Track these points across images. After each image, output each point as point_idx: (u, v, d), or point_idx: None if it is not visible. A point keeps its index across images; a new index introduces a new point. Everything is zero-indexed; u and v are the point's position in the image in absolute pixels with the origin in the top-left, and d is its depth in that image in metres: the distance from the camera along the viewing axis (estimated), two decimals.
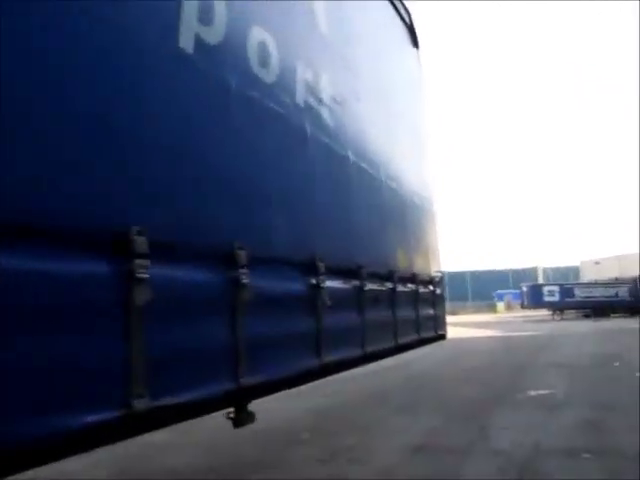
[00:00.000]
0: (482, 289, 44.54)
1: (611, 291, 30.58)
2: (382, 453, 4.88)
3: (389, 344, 4.48)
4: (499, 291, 44.01)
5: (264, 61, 3.17)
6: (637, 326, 22.05)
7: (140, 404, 2.02)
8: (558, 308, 31.08)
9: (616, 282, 31.52)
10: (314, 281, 3.34)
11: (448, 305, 36.28)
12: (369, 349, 4.00)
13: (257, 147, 3.02)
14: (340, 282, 3.81)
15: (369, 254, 4.24)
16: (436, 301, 6.08)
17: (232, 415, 2.80)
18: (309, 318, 3.28)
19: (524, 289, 32.72)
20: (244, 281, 2.63)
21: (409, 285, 5.19)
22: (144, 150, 2.22)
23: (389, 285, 4.60)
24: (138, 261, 2.06)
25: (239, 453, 4.93)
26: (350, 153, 4.13)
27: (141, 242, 2.08)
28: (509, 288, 43.60)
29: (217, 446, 5.22)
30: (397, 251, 4.89)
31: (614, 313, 29.95)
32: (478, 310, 43.02)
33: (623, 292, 30.32)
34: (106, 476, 4.46)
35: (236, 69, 2.89)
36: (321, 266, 3.37)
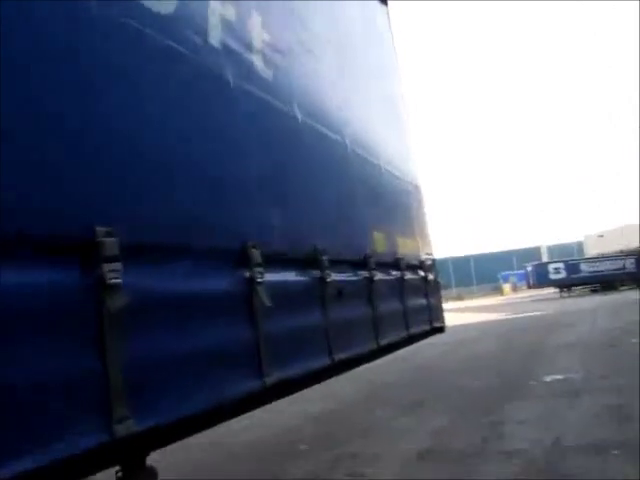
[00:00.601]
0: (487, 272, 43.80)
1: (618, 264, 29.62)
2: (385, 462, 4.09)
3: (368, 346, 3.55)
4: (504, 273, 43.17)
5: None
6: None
7: None
8: (565, 285, 30.16)
9: (622, 254, 30.56)
10: (247, 274, 2.43)
11: (454, 291, 35.65)
12: (339, 356, 3.09)
13: (148, 94, 2.12)
14: (292, 274, 2.90)
15: (333, 236, 3.32)
16: (429, 289, 5.14)
17: (120, 474, 1.90)
18: (242, 325, 2.37)
19: (529, 269, 31.82)
20: (112, 281, 1.73)
21: (392, 272, 4.27)
22: None
23: (364, 273, 3.68)
24: None
25: (225, 470, 4.18)
26: (298, 111, 3.21)
27: None
28: (514, 269, 42.80)
29: (206, 463, 4.46)
30: (372, 232, 3.97)
31: (622, 286, 29.01)
32: (484, 294, 42.20)
33: (630, 264, 29.32)
34: None
35: None
36: (255, 254, 2.45)
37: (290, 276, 2.87)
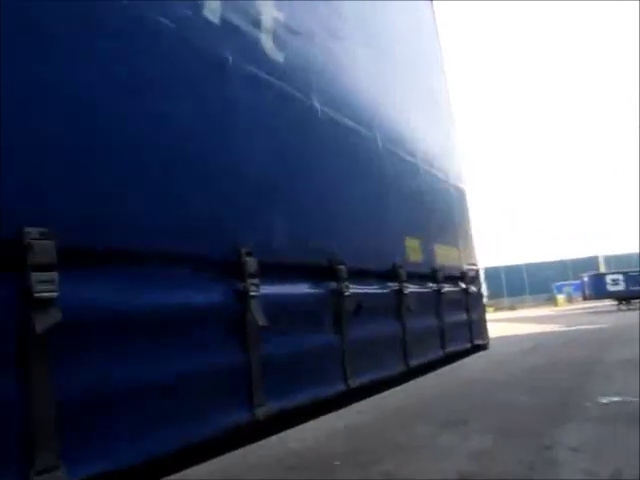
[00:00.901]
0: (540, 282, 42.18)
1: None
2: None
3: (395, 369, 3.07)
4: (558, 283, 41.45)
5: None
6: None
7: None
8: (623, 298, 28.49)
9: None
10: (242, 287, 2.01)
11: (506, 300, 34.46)
12: (358, 381, 2.62)
13: (124, 72, 1.74)
14: (302, 286, 2.46)
15: (355, 243, 2.87)
16: (471, 303, 4.58)
17: None
18: (230, 347, 1.95)
19: (585, 279, 30.27)
20: (44, 294, 1.34)
21: (428, 284, 3.77)
22: None
23: (393, 285, 3.21)
24: None
25: None
26: (316, 100, 2.77)
27: None
28: (569, 279, 41.03)
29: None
30: (405, 238, 3.49)
31: None
32: (537, 304, 40.61)
33: None
34: None
35: None
36: (250, 264, 2.03)
37: (298, 289, 2.43)
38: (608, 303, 29.86)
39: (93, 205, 1.57)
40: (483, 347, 4.79)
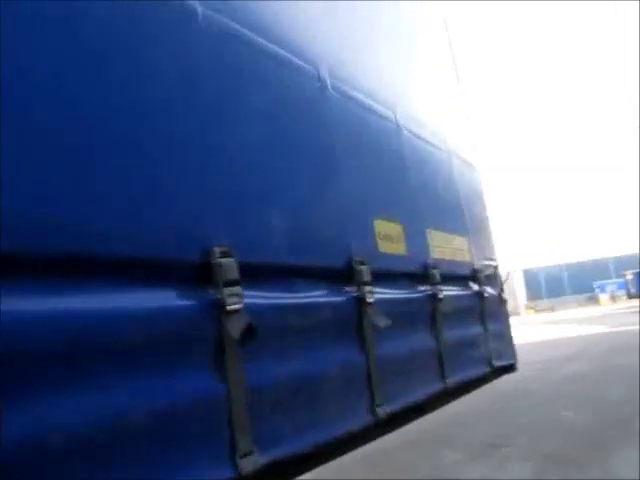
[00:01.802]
0: (581, 281, 40.08)
1: None
2: None
3: (360, 421, 1.87)
4: (600, 282, 39.24)
5: None
6: None
7: None
8: None
9: None
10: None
11: (545, 302, 32.76)
12: (265, 457, 1.47)
13: None
14: (170, 294, 1.34)
15: (267, 228, 1.71)
16: (487, 311, 3.31)
17: None
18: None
19: (629, 277, 28.24)
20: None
21: (418, 287, 2.56)
22: None
23: (350, 291, 2.02)
24: None
25: None
26: (202, 5, 1.65)
27: None
28: (611, 278, 38.77)
29: None
30: (372, 221, 2.28)
31: None
32: (579, 304, 38.43)
33: None
34: None
35: None
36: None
37: (163, 299, 1.31)
38: None
39: None
40: (509, 369, 3.50)
